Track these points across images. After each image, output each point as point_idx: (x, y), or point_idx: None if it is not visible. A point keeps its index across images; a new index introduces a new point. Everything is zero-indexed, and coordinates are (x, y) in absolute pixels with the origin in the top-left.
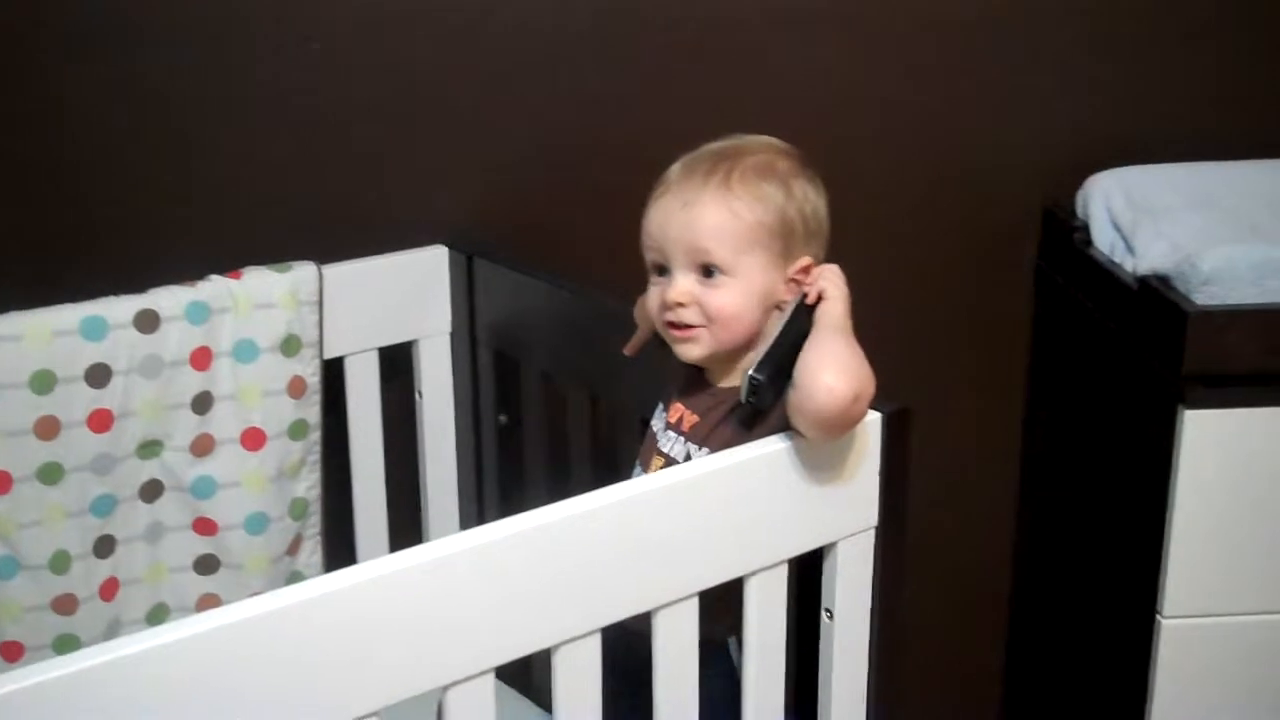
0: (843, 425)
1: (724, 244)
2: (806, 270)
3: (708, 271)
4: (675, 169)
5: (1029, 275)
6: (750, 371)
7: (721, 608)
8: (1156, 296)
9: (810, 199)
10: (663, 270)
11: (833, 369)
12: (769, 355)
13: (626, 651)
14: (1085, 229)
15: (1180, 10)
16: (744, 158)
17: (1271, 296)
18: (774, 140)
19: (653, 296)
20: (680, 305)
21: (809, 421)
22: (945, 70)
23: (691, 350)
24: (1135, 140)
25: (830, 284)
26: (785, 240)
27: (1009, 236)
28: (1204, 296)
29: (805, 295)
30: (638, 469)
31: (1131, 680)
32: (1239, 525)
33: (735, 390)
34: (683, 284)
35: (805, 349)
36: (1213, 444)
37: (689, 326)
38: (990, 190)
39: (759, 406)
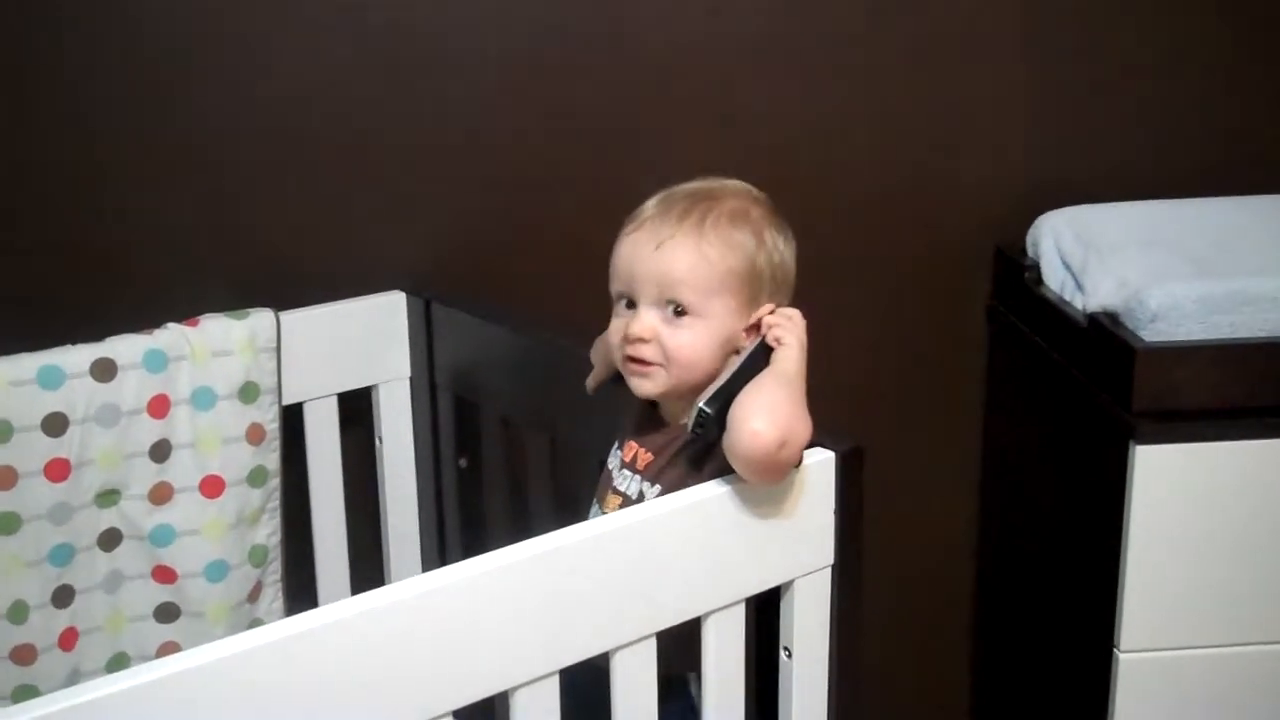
0: (772, 470)
1: (694, 286)
2: (772, 313)
3: (676, 311)
4: (650, 206)
5: (981, 314)
6: (700, 403)
7: (681, 645)
8: (1105, 334)
9: (780, 249)
10: (629, 303)
11: (762, 415)
12: (721, 390)
13: (594, 687)
14: (1036, 268)
15: (1128, 51)
16: (720, 202)
17: (1218, 332)
18: (747, 186)
19: (615, 329)
20: (642, 340)
21: (739, 463)
22: (895, 112)
23: (645, 385)
24: (1084, 179)
25: (788, 331)
26: (753, 288)
27: (961, 275)
28: (1152, 333)
29: (765, 338)
30: (595, 508)
31: (1091, 714)
32: (1193, 559)
33: (687, 428)
34: (647, 319)
35: (743, 392)
36: (1164, 479)
37: (646, 362)
38: (942, 230)
39: (705, 439)
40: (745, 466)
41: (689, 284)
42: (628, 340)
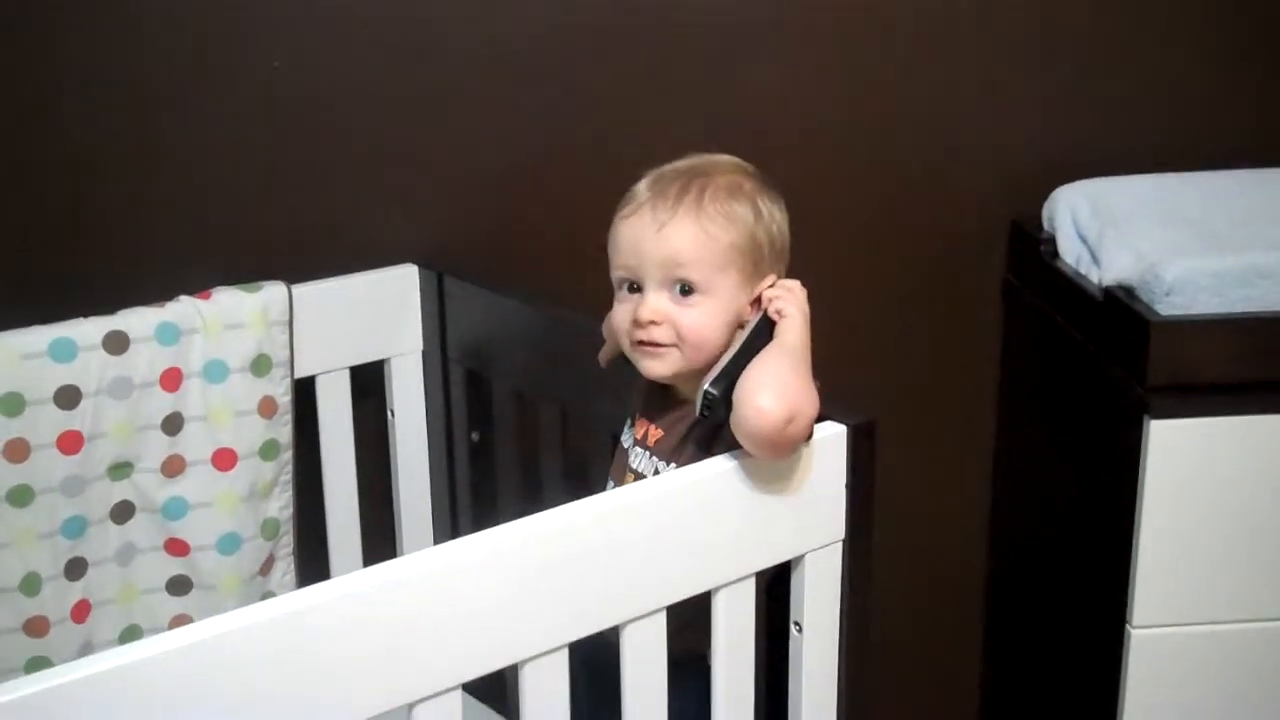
0: (780, 446)
1: (700, 263)
2: (772, 285)
3: (683, 290)
4: (642, 187)
5: (996, 287)
6: (705, 386)
7: (691, 624)
8: (1121, 307)
9: (776, 218)
10: (633, 287)
11: (769, 390)
12: (725, 370)
13: (608, 664)
14: (1052, 241)
15: (1145, 22)
16: (713, 177)
17: (1233, 306)
18: (736, 159)
19: (621, 313)
20: (653, 323)
21: (747, 441)
22: (910, 85)
23: (658, 367)
24: (1100, 152)
25: (789, 302)
26: (755, 260)
27: (976, 249)
28: (1167, 307)
29: (766, 312)
30: (610, 485)
31: (1103, 690)
32: (1207, 534)
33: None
34: (656, 302)
35: (748, 368)
36: (1179, 453)
37: (658, 344)
38: (957, 204)
39: (713, 420)
40: (753, 444)
41: (695, 262)
42: (638, 324)
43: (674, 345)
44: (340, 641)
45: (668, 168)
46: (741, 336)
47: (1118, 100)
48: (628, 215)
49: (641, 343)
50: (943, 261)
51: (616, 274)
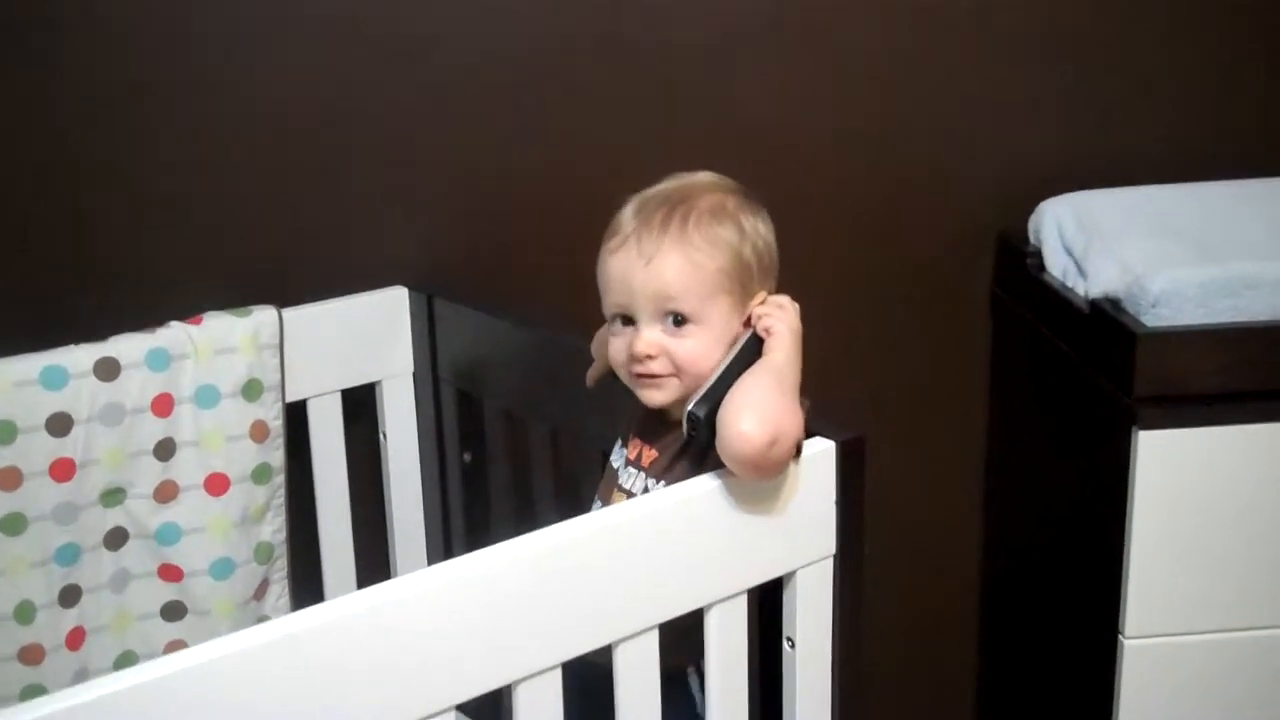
0: (764, 468)
1: (691, 293)
2: (762, 303)
3: (676, 321)
4: (626, 216)
5: (984, 301)
6: (689, 407)
7: (677, 638)
8: (1107, 319)
9: (761, 234)
10: (626, 320)
11: (751, 414)
12: (709, 391)
13: (599, 686)
14: (1038, 254)
15: (1129, 36)
16: (695, 200)
17: (1218, 316)
18: (717, 176)
19: (617, 346)
20: (649, 357)
21: (731, 464)
22: (897, 100)
23: (659, 396)
24: (1086, 165)
25: (777, 320)
26: (744, 281)
27: (963, 263)
28: (1154, 318)
29: (754, 330)
30: (597, 504)
31: (1097, 700)
32: (1197, 543)
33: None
34: (650, 336)
35: (731, 390)
36: (1167, 464)
37: (656, 375)
38: (944, 217)
39: (699, 443)
40: (737, 467)
41: (684, 293)
42: (635, 358)
43: (672, 375)
44: (336, 664)
45: (650, 193)
46: (729, 356)
47: (1103, 113)
48: (614, 249)
49: (640, 375)
50: (930, 274)
51: (609, 308)
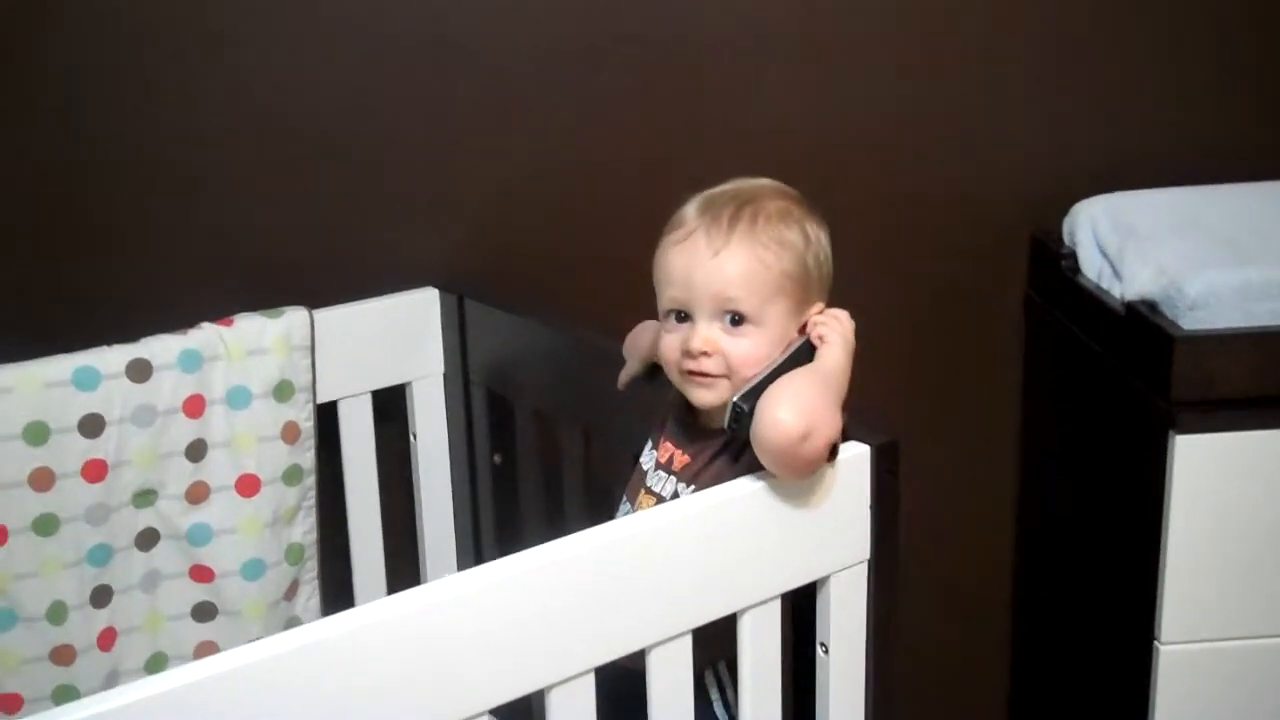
0: (795, 462)
1: (753, 293)
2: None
3: (734, 320)
4: (691, 212)
5: (1018, 303)
6: (735, 398)
7: (701, 642)
8: (1144, 322)
9: (823, 243)
10: (681, 316)
11: (788, 405)
12: (755, 387)
13: (630, 691)
14: (1073, 256)
15: (1163, 37)
16: (763, 202)
17: (1256, 320)
18: (778, 183)
19: (670, 343)
20: (704, 355)
21: (762, 454)
22: (928, 102)
23: (708, 396)
24: (1120, 166)
25: (832, 329)
26: (804, 287)
27: (997, 265)
28: (1191, 321)
29: (810, 336)
30: (624, 505)
31: (1132, 707)
32: (1234, 549)
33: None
34: (707, 333)
35: (774, 384)
36: (1205, 468)
37: (709, 374)
38: (977, 220)
39: (741, 435)
40: (768, 456)
41: (748, 291)
42: (690, 355)
43: (724, 375)
44: (368, 669)
45: (715, 191)
46: (781, 356)
47: (1137, 114)
48: (679, 241)
49: (692, 373)
50: (964, 278)
51: (665, 303)
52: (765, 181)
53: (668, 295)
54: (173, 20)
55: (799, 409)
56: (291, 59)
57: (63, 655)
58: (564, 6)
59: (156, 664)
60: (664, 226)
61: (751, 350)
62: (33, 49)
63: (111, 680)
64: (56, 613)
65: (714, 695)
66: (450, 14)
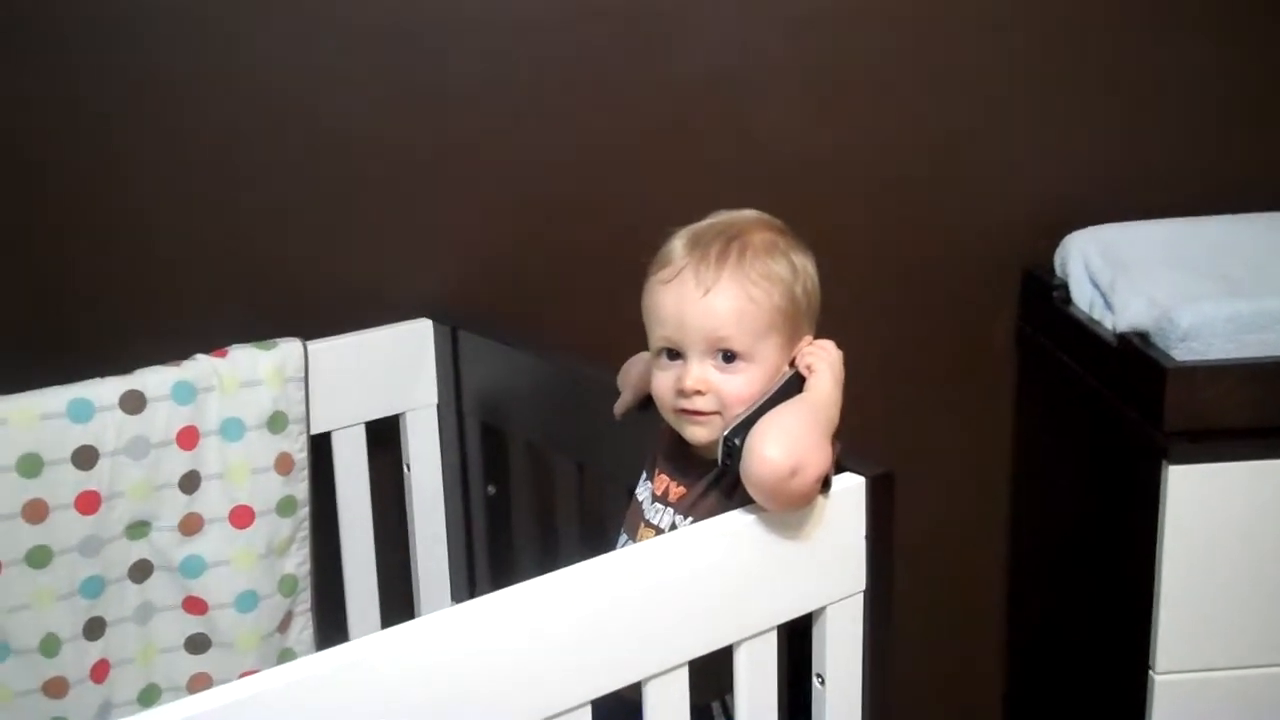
0: (785, 498)
1: (745, 331)
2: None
3: (726, 357)
4: (678, 248)
5: (1010, 335)
6: (725, 433)
7: (701, 673)
8: (1136, 353)
9: (810, 272)
10: (672, 354)
11: (776, 441)
12: (747, 419)
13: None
14: (1064, 288)
15: (1153, 69)
16: (748, 235)
17: (1249, 350)
18: (761, 213)
19: (663, 381)
20: (698, 393)
21: (752, 489)
22: (920, 135)
23: (702, 434)
24: (1111, 198)
25: (819, 359)
26: (794, 320)
27: (989, 297)
28: (1183, 352)
29: (798, 368)
30: (623, 538)
31: None
32: (1228, 579)
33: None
34: (700, 372)
35: (762, 419)
36: (1198, 498)
37: (702, 412)
38: (969, 252)
39: (734, 470)
40: (758, 492)
41: (739, 330)
42: (682, 394)
43: (716, 412)
44: (362, 703)
45: (700, 226)
46: (771, 389)
47: (1129, 147)
48: (667, 280)
49: (685, 410)
50: (956, 310)
51: (656, 341)
52: (749, 213)
53: (659, 334)
54: (170, 50)
55: (787, 445)
56: (288, 94)
57: (56, 688)
58: (557, 41)
59: (149, 696)
60: (650, 263)
61: (745, 386)
62: (18, 82)
63: (104, 713)
64: (49, 645)
65: None
66: (445, 49)
